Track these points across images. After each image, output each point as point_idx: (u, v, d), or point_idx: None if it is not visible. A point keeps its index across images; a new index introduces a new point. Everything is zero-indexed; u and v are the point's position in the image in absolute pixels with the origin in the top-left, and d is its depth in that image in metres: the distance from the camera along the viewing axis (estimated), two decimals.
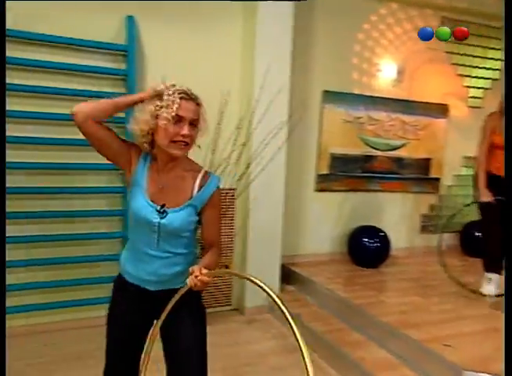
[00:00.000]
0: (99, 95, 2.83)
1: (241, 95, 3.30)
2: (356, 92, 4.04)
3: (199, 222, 1.49)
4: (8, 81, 2.63)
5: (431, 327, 2.71)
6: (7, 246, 2.75)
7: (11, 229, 2.78)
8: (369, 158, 4.20)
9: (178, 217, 1.41)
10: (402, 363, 2.46)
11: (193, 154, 1.55)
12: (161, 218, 1.40)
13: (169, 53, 3.07)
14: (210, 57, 3.22)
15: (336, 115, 3.98)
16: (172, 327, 1.47)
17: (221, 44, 3.27)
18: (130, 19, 2.87)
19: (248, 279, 1.15)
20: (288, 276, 3.70)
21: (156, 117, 1.35)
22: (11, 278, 2.81)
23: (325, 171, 4.02)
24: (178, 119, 1.34)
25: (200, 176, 1.46)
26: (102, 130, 1.40)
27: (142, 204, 1.42)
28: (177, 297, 1.32)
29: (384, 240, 3.91)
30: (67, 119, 2.83)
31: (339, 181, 4.09)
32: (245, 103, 3.22)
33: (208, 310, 1.31)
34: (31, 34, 2.66)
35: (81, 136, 2.93)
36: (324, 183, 4.03)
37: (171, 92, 1.35)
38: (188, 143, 1.39)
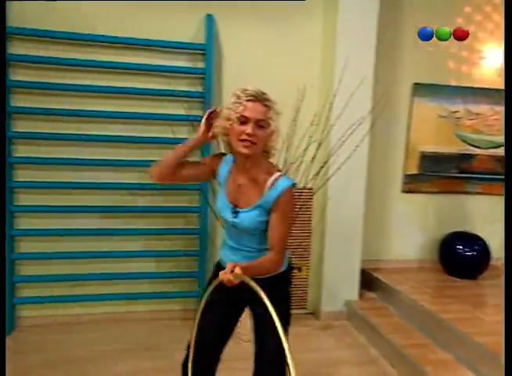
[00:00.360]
0: (177, 95, 2.93)
1: (320, 92, 3.18)
2: (453, 83, 3.65)
3: None
4: (99, 84, 2.86)
5: None
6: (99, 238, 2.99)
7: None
8: (466, 157, 3.77)
9: (247, 217, 1.52)
10: None
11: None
12: (234, 217, 1.54)
13: (247, 51, 3.06)
14: (288, 54, 3.14)
15: (428, 109, 3.63)
16: (255, 315, 1.62)
17: (300, 40, 3.16)
18: (209, 18, 2.90)
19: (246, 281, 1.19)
20: (369, 282, 3.48)
21: (229, 119, 1.45)
22: (100, 268, 3.04)
23: (414, 171, 3.70)
24: (244, 120, 1.43)
25: (272, 178, 1.50)
26: (179, 174, 1.56)
27: (221, 204, 1.60)
28: (211, 288, 1.38)
29: (483, 248, 3.47)
30: (151, 118, 2.99)
31: (430, 182, 3.73)
32: (323, 98, 3.08)
33: None
34: (116, 39, 2.82)
35: (163, 135, 3.07)
36: (412, 184, 3.71)
37: (240, 95, 1.44)
38: (254, 143, 1.44)
